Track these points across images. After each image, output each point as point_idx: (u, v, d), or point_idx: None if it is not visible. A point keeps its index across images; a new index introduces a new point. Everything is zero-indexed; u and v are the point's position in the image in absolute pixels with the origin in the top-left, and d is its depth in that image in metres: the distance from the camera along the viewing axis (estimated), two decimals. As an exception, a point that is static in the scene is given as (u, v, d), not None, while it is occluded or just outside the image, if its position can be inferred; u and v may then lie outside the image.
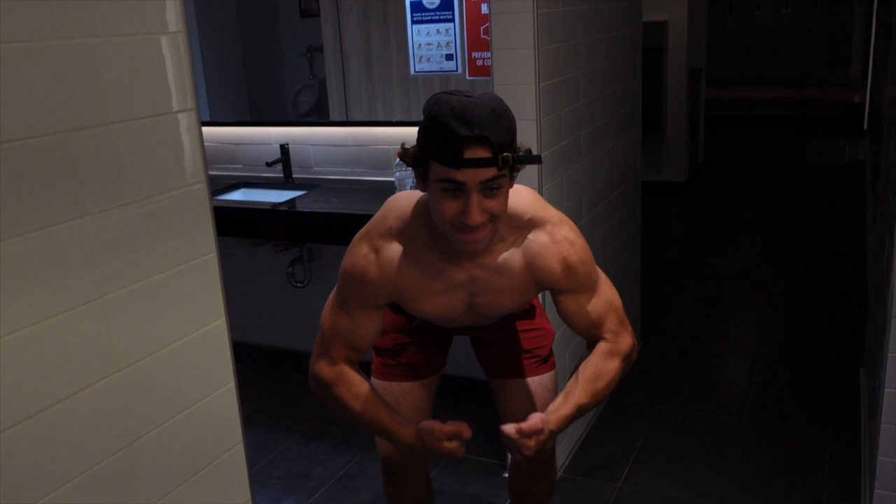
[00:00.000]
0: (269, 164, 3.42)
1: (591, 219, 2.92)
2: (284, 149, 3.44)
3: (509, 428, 1.57)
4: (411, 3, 3.20)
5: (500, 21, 2.33)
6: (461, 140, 1.38)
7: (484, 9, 2.93)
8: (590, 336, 1.73)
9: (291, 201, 3.24)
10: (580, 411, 1.65)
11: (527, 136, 2.34)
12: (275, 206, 3.19)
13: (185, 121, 1.16)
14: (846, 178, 6.97)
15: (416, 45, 3.25)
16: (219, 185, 3.48)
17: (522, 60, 2.33)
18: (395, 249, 1.62)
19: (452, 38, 3.16)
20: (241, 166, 3.63)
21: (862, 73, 8.74)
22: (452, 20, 3.14)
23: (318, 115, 3.98)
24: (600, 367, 1.68)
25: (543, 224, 1.65)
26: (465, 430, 1.60)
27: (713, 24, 8.03)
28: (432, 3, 3.17)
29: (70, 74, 1.00)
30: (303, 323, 3.62)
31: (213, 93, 4.11)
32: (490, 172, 1.41)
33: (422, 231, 1.61)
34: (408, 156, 1.50)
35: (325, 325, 1.70)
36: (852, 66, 9.14)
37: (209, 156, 3.68)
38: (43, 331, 0.99)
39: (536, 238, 1.64)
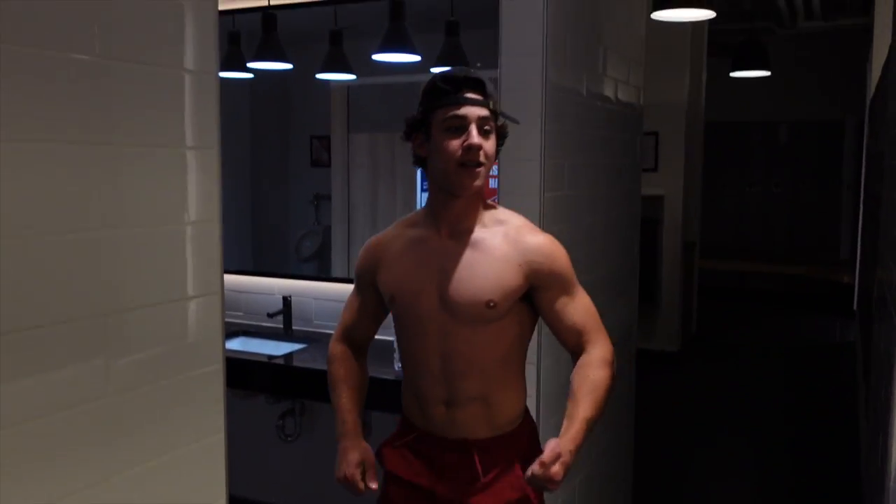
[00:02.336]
0: (270, 316, 3.46)
1: (586, 394, 2.92)
2: (287, 301, 3.49)
3: (534, 466, 1.58)
4: (422, 171, 3.33)
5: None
6: (461, 81, 1.65)
7: (493, 183, 3.05)
8: (574, 342, 1.79)
9: (289, 355, 3.25)
10: (588, 425, 1.68)
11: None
12: (270, 359, 3.19)
13: (208, 304, 1.20)
14: (836, 359, 7.01)
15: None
16: (217, 332, 3.49)
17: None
18: (390, 233, 1.87)
19: (460, 208, 3.26)
20: (242, 314, 3.66)
21: (850, 255, 8.99)
22: (461, 192, 3.25)
23: (319, 261, 4.06)
24: (594, 377, 1.71)
25: (525, 223, 1.79)
26: (372, 481, 1.76)
27: (707, 198, 8.34)
28: (442, 174, 3.29)
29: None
30: (289, 477, 3.53)
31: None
32: (485, 111, 1.66)
33: (419, 215, 1.84)
34: (409, 126, 1.72)
35: (343, 308, 1.99)
36: (841, 247, 9.41)
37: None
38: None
39: (516, 224, 1.77)
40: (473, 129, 1.65)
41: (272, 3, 3.41)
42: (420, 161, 1.76)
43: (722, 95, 8.81)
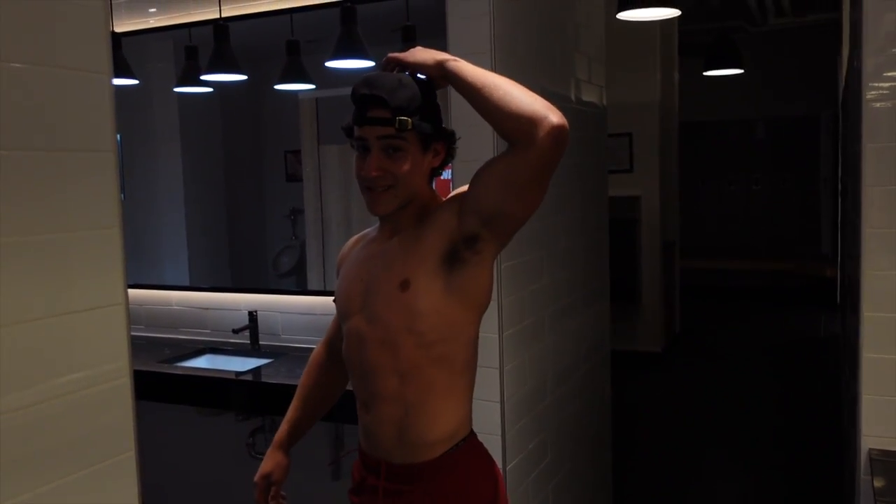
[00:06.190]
0: (235, 332, 3.40)
1: (556, 398, 2.88)
2: (252, 315, 3.43)
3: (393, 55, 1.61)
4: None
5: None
6: (360, 98, 1.55)
7: (446, 175, 3.02)
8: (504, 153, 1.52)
9: (257, 370, 3.19)
10: (458, 68, 1.52)
11: (488, 313, 2.33)
12: (238, 375, 3.13)
13: (110, 316, 1.15)
14: (823, 352, 6.99)
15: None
16: (186, 350, 3.44)
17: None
18: (358, 236, 1.81)
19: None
20: (209, 331, 3.61)
21: (832, 248, 8.99)
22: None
23: (297, 276, 4.02)
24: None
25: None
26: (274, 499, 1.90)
27: (686, 198, 8.33)
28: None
29: None
30: (261, 497, 3.46)
31: (194, 256, 4.15)
32: (387, 131, 1.53)
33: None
34: (348, 136, 1.63)
35: None
36: (822, 242, 9.42)
37: (179, 320, 3.66)
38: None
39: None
40: (373, 153, 1.55)
41: (225, 15, 3.37)
42: None
43: (697, 95, 8.82)
